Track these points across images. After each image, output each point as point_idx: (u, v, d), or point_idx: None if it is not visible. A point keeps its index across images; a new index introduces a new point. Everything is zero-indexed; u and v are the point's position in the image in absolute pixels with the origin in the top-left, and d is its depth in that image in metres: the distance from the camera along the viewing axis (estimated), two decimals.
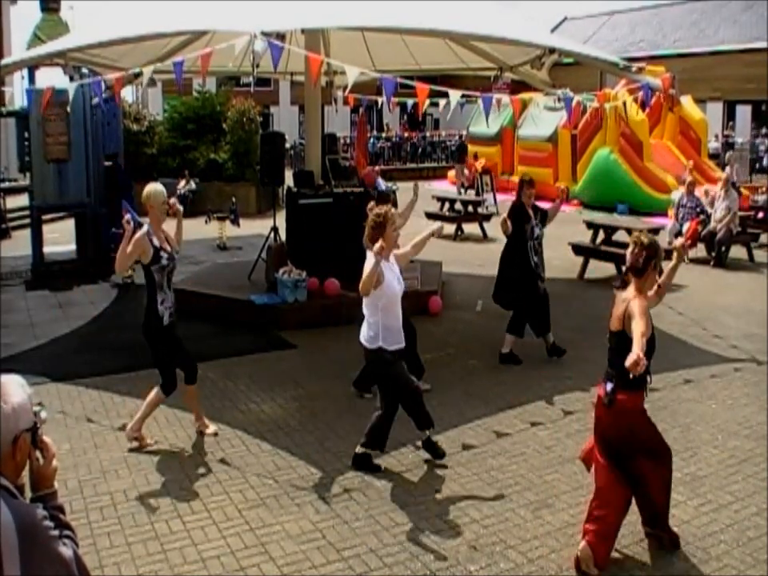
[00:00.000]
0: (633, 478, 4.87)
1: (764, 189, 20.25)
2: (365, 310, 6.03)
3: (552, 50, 11.19)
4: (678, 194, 17.00)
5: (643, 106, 15.23)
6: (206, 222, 17.34)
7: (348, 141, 32.64)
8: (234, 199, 17.30)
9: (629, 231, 13.32)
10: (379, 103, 11.52)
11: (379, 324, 5.94)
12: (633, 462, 4.84)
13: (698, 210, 15.47)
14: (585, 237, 14.05)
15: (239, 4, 8.30)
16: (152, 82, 10.87)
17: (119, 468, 6.13)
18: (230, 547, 5.01)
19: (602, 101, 11.36)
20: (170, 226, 6.68)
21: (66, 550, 2.47)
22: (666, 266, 5.20)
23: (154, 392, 6.60)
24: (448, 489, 5.82)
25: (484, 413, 7.27)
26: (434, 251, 14.37)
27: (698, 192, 15.59)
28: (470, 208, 18.51)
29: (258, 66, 7.51)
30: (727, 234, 14.55)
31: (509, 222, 8.44)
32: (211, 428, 6.83)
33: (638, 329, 4.45)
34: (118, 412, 7.27)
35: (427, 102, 8.50)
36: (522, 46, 11.53)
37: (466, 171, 24.89)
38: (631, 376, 4.34)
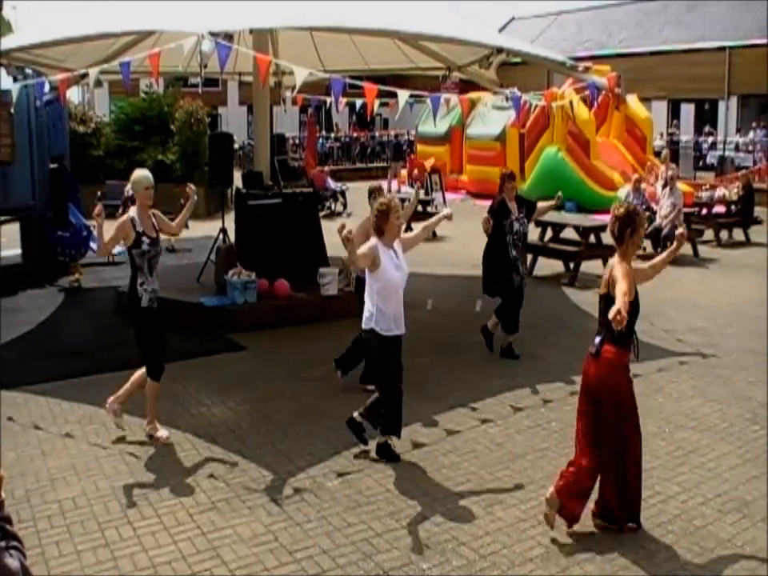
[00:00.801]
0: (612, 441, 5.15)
1: (708, 186, 20.68)
2: (365, 295, 6.21)
3: (500, 50, 11.29)
4: (624, 190, 17.28)
5: (590, 104, 15.45)
6: None
7: (297, 141, 32.58)
8: (182, 201, 17.07)
9: (577, 229, 13.51)
10: (328, 103, 11.54)
11: (374, 307, 6.08)
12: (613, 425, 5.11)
13: (644, 207, 15.72)
14: (533, 235, 14.15)
15: (187, 4, 8.25)
16: (98, 83, 10.72)
17: (68, 475, 6.03)
18: (181, 552, 4.96)
19: (549, 100, 11.49)
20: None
21: (12, 562, 2.43)
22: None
23: (138, 373, 6.70)
24: (400, 488, 5.84)
25: (435, 411, 7.30)
26: None
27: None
28: (420, 207, 18.54)
29: (205, 66, 7.46)
30: (672, 230, 14.78)
31: (490, 221, 8.52)
32: (161, 432, 6.73)
33: (620, 289, 4.80)
34: (66, 419, 7.16)
35: (376, 101, 8.53)
36: (470, 46, 11.62)
37: (403, 171, 25.14)
38: (616, 332, 4.77)
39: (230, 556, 4.92)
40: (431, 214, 18.04)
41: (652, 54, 34.72)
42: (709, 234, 16.58)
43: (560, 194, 9.01)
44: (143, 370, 6.71)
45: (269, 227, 10.90)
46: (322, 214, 17.07)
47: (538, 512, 5.46)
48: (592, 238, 13.43)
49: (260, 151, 11.76)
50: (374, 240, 6.05)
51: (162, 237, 6.83)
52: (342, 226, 5.63)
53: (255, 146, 12.21)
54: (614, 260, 5.15)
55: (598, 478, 5.24)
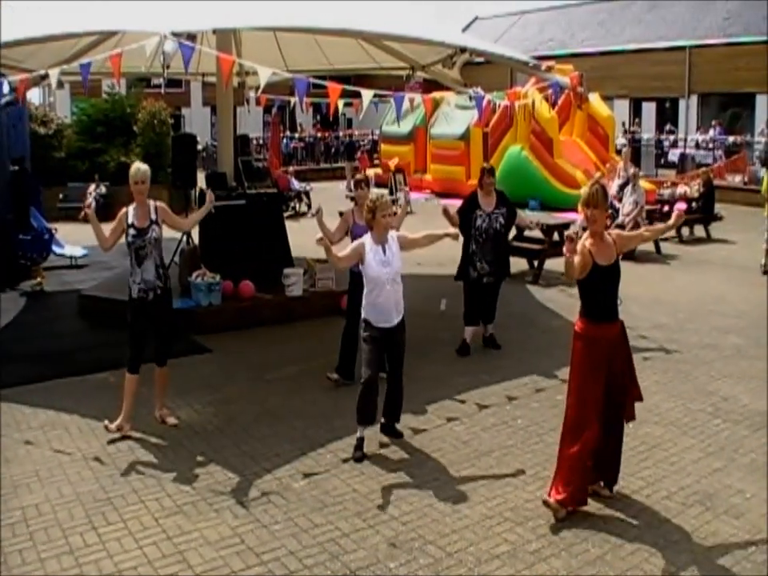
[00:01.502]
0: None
1: (669, 183, 20.92)
2: None
3: (463, 50, 11.34)
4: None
5: (552, 103, 15.58)
6: None
7: (261, 142, 32.46)
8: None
9: (540, 227, 13.59)
10: (292, 103, 11.50)
11: (366, 299, 6.46)
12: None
13: (607, 204, 15.85)
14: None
15: (149, 4, 8.17)
16: (59, 84, 10.59)
17: (31, 482, 5.95)
18: (147, 557, 4.92)
19: (512, 99, 11.55)
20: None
21: None
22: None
23: (126, 378, 6.81)
24: (366, 487, 5.84)
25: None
26: None
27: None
28: None
29: (168, 67, 7.42)
30: (635, 227, 14.92)
31: (455, 217, 8.62)
32: (172, 419, 6.98)
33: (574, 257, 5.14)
34: (28, 424, 7.07)
35: (341, 101, 8.53)
36: (434, 46, 11.66)
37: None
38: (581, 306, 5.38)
39: (196, 560, 4.89)
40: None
41: (614, 53, 35.03)
42: (671, 231, 16.74)
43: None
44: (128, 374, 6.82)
45: (233, 228, 10.84)
46: (286, 214, 17.00)
47: (504, 509, 5.51)
48: (555, 236, 13.52)
49: (224, 152, 11.70)
50: (365, 237, 6.44)
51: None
52: (318, 210, 6.61)
53: (219, 146, 12.16)
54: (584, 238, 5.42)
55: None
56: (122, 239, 6.82)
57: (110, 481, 5.95)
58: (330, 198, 22.81)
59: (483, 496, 5.72)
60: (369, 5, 9.87)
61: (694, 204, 17.48)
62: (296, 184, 22.15)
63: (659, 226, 6.00)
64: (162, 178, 20.82)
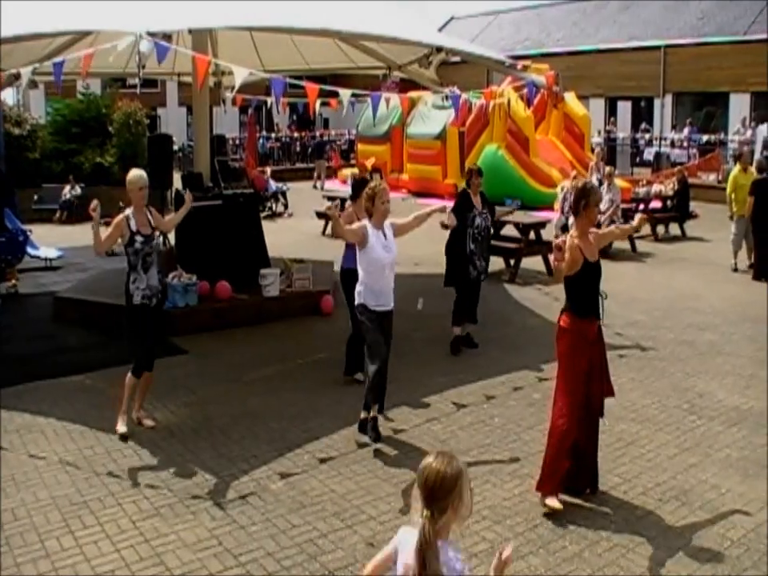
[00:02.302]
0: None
1: (644, 182, 21.08)
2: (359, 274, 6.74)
3: (439, 49, 11.37)
4: (561, 186, 17.53)
5: (529, 102, 15.58)
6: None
7: (238, 142, 32.36)
8: (121, 204, 16.80)
9: (517, 226, 13.66)
10: (269, 103, 11.48)
11: (364, 284, 6.63)
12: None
13: None
14: None
15: (124, 3, 8.11)
16: (33, 84, 10.52)
17: (6, 486, 5.89)
18: (124, 560, 4.89)
19: (488, 98, 11.59)
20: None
21: None
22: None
23: (127, 377, 6.80)
24: (344, 487, 5.84)
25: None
26: (326, 251, 14.39)
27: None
28: None
29: (143, 66, 7.38)
30: (611, 226, 15.05)
31: (453, 217, 8.65)
32: (148, 422, 6.98)
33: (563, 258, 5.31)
34: (4, 428, 6.99)
35: (318, 101, 8.53)
36: (411, 46, 11.67)
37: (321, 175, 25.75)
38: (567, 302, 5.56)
39: (174, 562, 4.87)
40: None
41: (589, 52, 35.20)
42: (646, 228, 16.88)
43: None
44: (127, 378, 6.83)
45: (209, 229, 10.79)
46: (263, 214, 16.99)
47: (482, 507, 5.53)
48: (532, 235, 13.58)
49: (200, 152, 11.64)
50: (364, 221, 6.64)
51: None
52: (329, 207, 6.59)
53: (195, 147, 12.09)
54: (570, 235, 5.55)
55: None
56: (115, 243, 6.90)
57: (87, 484, 5.91)
58: (307, 198, 22.83)
59: None
60: (345, 5, 9.86)
61: (668, 202, 17.64)
62: (272, 184, 22.10)
63: (626, 226, 6.23)
64: None
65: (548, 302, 11.48)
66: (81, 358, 8.77)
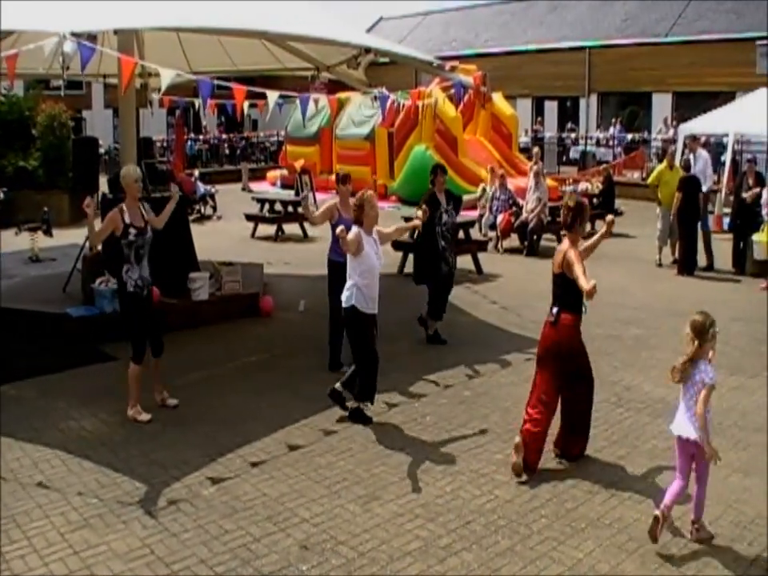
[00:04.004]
0: (565, 393, 6.20)
1: (571, 180, 21.45)
2: (347, 276, 7.01)
3: (368, 50, 11.37)
4: (486, 186, 17.74)
5: (456, 102, 15.76)
6: (16, 233, 16.39)
7: (165, 144, 31.93)
8: (45, 208, 16.52)
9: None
10: (196, 105, 11.35)
11: (355, 287, 6.90)
12: (567, 379, 6.12)
13: (510, 202, 16.20)
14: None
15: (48, 3, 7.92)
16: None
17: None
18: (53, 574, 4.79)
19: (416, 99, 11.65)
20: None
21: None
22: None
23: (130, 368, 7.09)
24: (276, 491, 5.82)
25: (310, 412, 7.30)
26: (254, 253, 14.33)
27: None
28: (290, 208, 18.46)
29: (68, 68, 7.24)
30: (538, 223, 15.30)
31: (428, 212, 8.61)
32: (143, 416, 7.10)
33: (579, 271, 5.79)
34: None
35: (246, 103, 8.46)
36: (338, 46, 11.65)
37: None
38: (585, 301, 5.94)
39: (104, 573, 4.78)
40: (302, 215, 17.98)
41: (516, 53, 35.64)
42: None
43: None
44: (130, 368, 7.13)
45: None
46: (191, 217, 16.77)
47: (414, 506, 5.56)
48: (461, 234, 13.69)
49: (126, 155, 11.41)
50: (356, 229, 6.90)
51: (27, 247, 6.70)
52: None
53: (121, 149, 11.86)
54: (564, 245, 6.07)
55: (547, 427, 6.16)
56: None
57: (13, 498, 5.75)
58: (235, 200, 22.64)
59: (394, 494, 5.76)
60: (272, 5, 9.80)
61: (595, 200, 17.96)
62: (201, 187, 21.85)
63: (601, 231, 6.82)
64: (63, 183, 20.30)
65: (477, 300, 11.61)
66: (6, 368, 8.54)
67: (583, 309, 6.14)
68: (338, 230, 6.73)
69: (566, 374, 6.12)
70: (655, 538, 5.00)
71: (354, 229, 6.93)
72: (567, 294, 6.04)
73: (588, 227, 17.26)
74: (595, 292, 5.55)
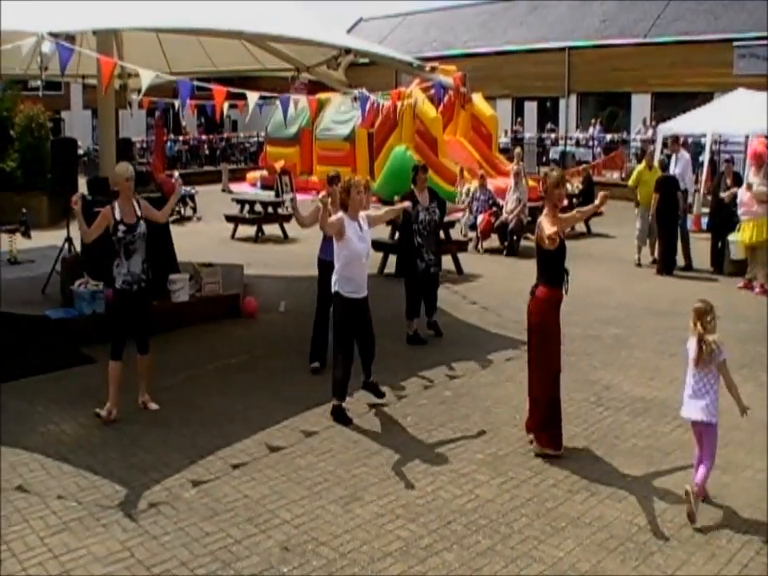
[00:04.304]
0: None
1: None
2: (335, 263, 7.15)
3: (348, 51, 11.37)
4: (466, 186, 17.87)
5: (436, 103, 15.77)
6: None
7: (145, 145, 31.81)
8: (24, 210, 16.40)
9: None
10: (176, 106, 11.33)
11: (339, 273, 7.05)
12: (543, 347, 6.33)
13: (491, 202, 16.25)
14: (384, 233, 14.27)
15: (26, 3, 7.85)
16: None
17: None
18: None
19: (396, 99, 11.66)
20: None
21: None
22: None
23: (109, 364, 7.16)
24: (257, 492, 5.80)
25: (291, 413, 7.29)
26: (234, 254, 14.29)
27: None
28: (270, 209, 18.45)
29: (46, 68, 7.21)
30: (518, 223, 15.35)
31: (409, 204, 8.75)
32: (153, 405, 7.35)
33: (547, 229, 6.05)
34: None
35: (225, 104, 8.44)
36: (319, 47, 11.64)
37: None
38: (545, 274, 6.31)
39: None
40: (283, 216, 18.02)
41: (496, 53, 35.74)
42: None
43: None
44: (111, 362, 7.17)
45: None
46: (171, 219, 16.67)
47: (395, 506, 5.57)
48: (441, 234, 13.68)
49: (106, 156, 11.37)
50: (340, 213, 7.01)
51: (5, 249, 6.73)
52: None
53: (101, 151, 11.82)
54: (541, 216, 6.29)
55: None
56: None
57: None
58: (215, 200, 22.59)
59: (375, 494, 5.77)
60: (252, 5, 9.77)
61: (574, 200, 18.05)
62: (182, 189, 21.75)
63: (587, 207, 7.03)
64: (41, 184, 20.15)
65: (457, 301, 11.64)
66: None
67: (564, 289, 6.33)
68: (321, 195, 6.93)
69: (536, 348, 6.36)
70: (691, 516, 5.30)
71: (339, 213, 7.04)
72: (546, 267, 6.28)
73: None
74: (553, 241, 5.96)
